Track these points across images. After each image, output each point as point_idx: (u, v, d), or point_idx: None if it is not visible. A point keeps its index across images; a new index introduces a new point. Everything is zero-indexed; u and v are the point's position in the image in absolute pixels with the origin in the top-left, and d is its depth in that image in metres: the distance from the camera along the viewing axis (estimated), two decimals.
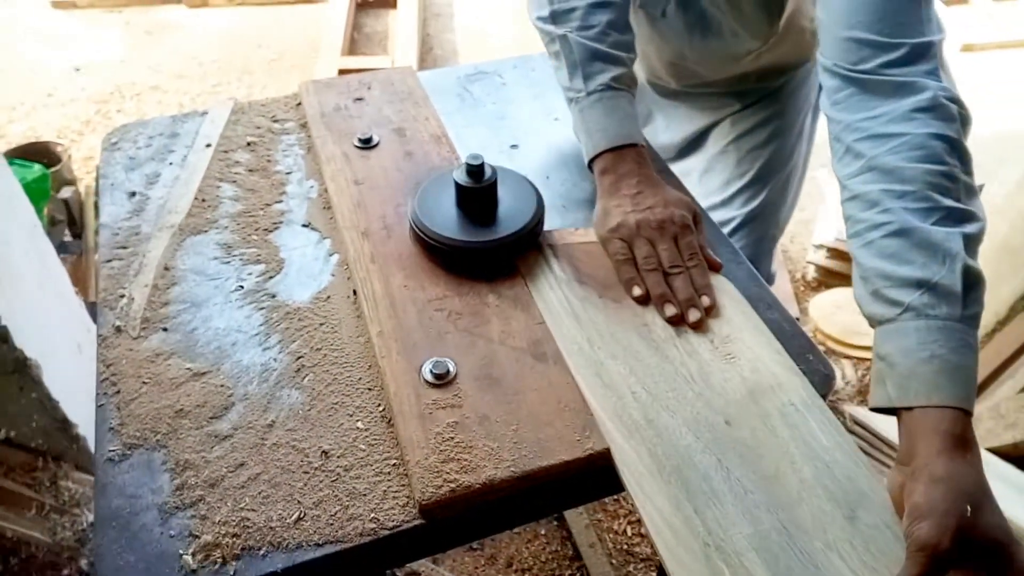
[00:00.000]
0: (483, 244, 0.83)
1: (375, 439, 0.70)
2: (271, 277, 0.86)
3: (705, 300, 0.80)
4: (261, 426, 0.71)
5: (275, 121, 1.10)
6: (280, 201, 0.96)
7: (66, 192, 2.17)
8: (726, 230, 1.24)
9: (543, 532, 1.61)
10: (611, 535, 1.61)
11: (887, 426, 1.64)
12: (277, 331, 0.80)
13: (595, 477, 0.70)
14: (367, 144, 1.01)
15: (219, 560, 0.61)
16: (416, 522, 0.64)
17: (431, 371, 0.73)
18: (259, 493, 0.66)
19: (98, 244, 2.14)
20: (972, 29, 3.29)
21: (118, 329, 0.80)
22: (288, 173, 1.01)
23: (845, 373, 1.91)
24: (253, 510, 0.64)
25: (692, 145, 1.28)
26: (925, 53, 0.73)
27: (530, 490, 0.67)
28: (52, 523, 1.39)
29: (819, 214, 2.27)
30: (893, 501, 0.64)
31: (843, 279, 2.13)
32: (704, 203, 1.14)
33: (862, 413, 1.70)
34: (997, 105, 2.91)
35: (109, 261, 0.88)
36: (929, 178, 0.69)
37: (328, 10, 3.34)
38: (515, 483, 0.66)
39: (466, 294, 0.81)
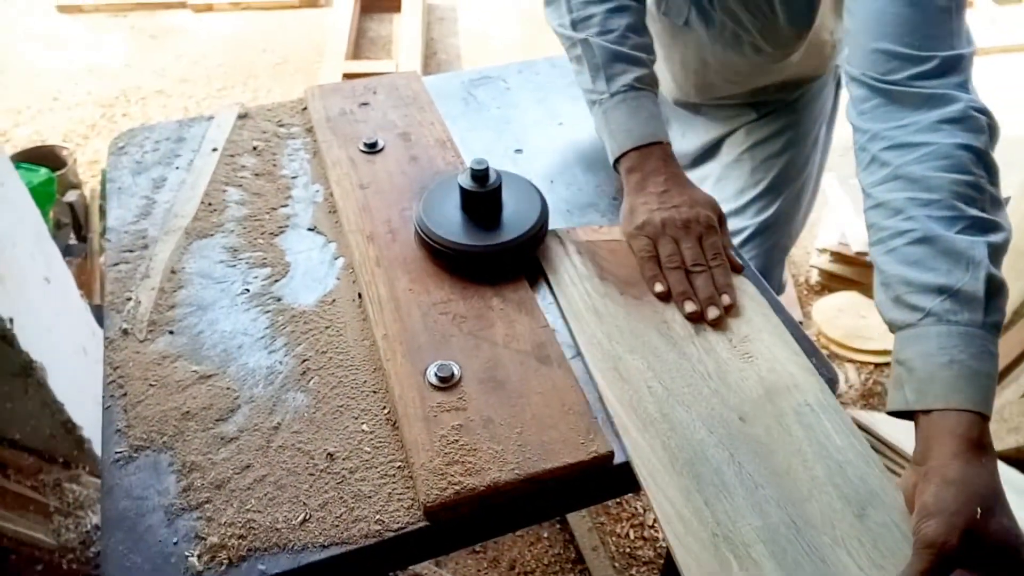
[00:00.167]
0: (487, 248, 0.83)
1: (380, 442, 0.70)
2: (277, 280, 0.86)
3: (726, 299, 0.82)
4: (267, 428, 0.71)
5: (281, 126, 1.11)
6: (286, 205, 0.97)
7: (71, 195, 2.18)
8: (739, 239, 1.24)
9: (546, 535, 1.61)
10: (614, 538, 1.61)
11: (891, 430, 1.64)
12: (283, 334, 0.80)
13: (598, 480, 0.70)
14: (372, 148, 1.02)
15: (225, 561, 0.62)
16: (421, 524, 0.64)
17: (436, 374, 0.73)
18: (265, 495, 0.66)
19: (103, 247, 2.14)
20: (975, 33, 3.29)
21: (125, 332, 0.81)
22: (294, 177, 1.01)
23: (848, 377, 1.91)
24: (259, 512, 0.65)
25: (707, 153, 1.28)
26: (956, 66, 0.74)
27: (534, 493, 0.67)
28: (57, 525, 1.40)
29: (823, 218, 2.27)
30: (906, 500, 0.65)
31: (846, 283, 2.13)
32: None
33: (865, 417, 1.70)
34: (1000, 110, 2.90)
35: (116, 264, 0.89)
36: (955, 187, 0.69)
37: (332, 14, 3.35)
38: (519, 486, 0.66)
39: (471, 298, 0.82)
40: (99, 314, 1.69)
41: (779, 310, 0.84)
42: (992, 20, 3.43)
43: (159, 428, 0.72)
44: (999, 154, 0.74)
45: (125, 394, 0.75)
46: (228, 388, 0.75)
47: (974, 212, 0.69)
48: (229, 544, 0.62)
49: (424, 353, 0.76)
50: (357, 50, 3.31)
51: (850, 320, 2.02)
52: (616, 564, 1.56)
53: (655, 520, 1.64)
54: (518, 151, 1.07)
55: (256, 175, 1.02)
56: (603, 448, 0.68)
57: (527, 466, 0.66)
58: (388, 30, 3.50)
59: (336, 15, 3.32)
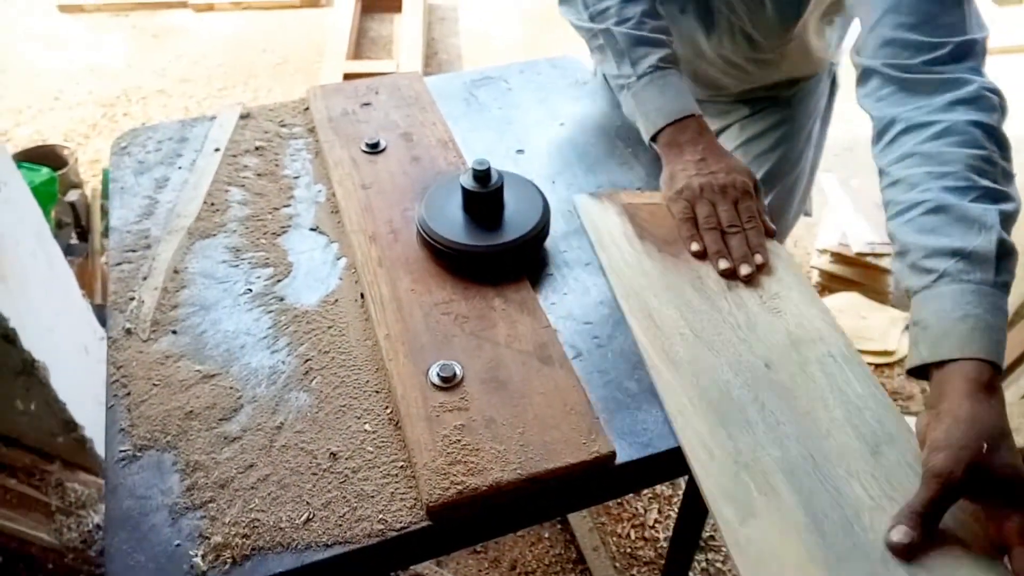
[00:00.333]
0: (489, 248, 0.84)
1: (383, 441, 0.71)
2: (279, 280, 0.87)
3: (758, 258, 0.86)
4: (270, 428, 0.72)
5: (283, 126, 1.11)
6: (288, 205, 0.97)
7: (72, 195, 2.18)
8: None
9: (547, 535, 1.61)
10: (615, 538, 1.61)
11: None
12: (285, 334, 0.81)
13: (600, 480, 0.71)
14: (374, 149, 1.02)
15: (229, 560, 0.62)
16: (423, 524, 0.65)
17: (438, 374, 0.73)
18: (268, 494, 0.66)
19: (106, 247, 2.14)
20: None
21: (128, 331, 0.81)
22: (296, 177, 1.02)
23: None
24: (262, 511, 0.65)
25: None
26: (969, 51, 0.78)
27: (536, 493, 0.68)
28: (58, 524, 1.40)
29: (823, 219, 2.28)
30: (920, 442, 0.68)
31: (847, 284, 2.14)
32: None
33: None
34: None
35: (119, 264, 0.89)
36: (969, 161, 0.72)
37: (333, 14, 3.36)
38: (521, 485, 0.66)
39: (473, 298, 0.82)
40: (101, 313, 1.70)
41: None
42: (991, 21, 3.43)
43: (163, 427, 0.72)
44: None
45: (129, 393, 0.75)
46: (231, 388, 0.75)
47: (987, 183, 0.72)
48: (233, 543, 0.63)
49: (426, 353, 0.76)
50: (358, 50, 3.32)
51: (850, 321, 2.02)
52: (617, 564, 1.56)
53: (656, 520, 1.64)
54: (519, 151, 1.08)
55: (258, 175, 1.02)
56: (605, 448, 0.68)
57: (529, 466, 0.67)
58: (389, 30, 3.50)
59: (337, 15, 3.32)
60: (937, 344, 0.68)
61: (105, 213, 2.21)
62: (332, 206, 0.97)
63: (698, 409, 0.72)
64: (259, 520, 0.64)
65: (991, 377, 0.65)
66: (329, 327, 0.81)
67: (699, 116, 0.96)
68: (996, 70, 0.85)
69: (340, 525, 0.64)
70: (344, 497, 0.66)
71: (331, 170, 1.00)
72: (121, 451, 0.70)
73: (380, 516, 0.65)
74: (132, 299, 0.85)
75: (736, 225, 0.88)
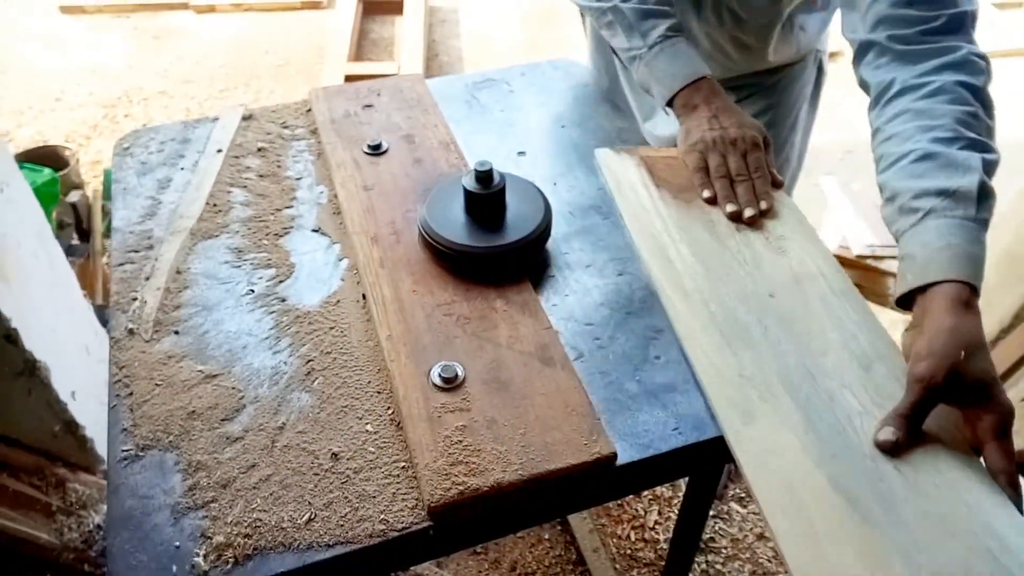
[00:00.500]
0: (491, 250, 0.84)
1: (384, 442, 0.71)
2: (281, 281, 0.87)
3: (763, 204, 0.93)
4: (272, 428, 0.72)
5: (285, 127, 1.11)
6: (290, 206, 0.97)
7: (74, 196, 2.18)
8: None
9: (547, 536, 1.61)
10: (614, 540, 1.61)
11: None
12: (287, 335, 0.81)
13: (601, 481, 0.71)
14: (376, 150, 1.02)
15: (231, 560, 0.62)
16: (425, 524, 0.65)
17: (440, 375, 0.73)
18: (270, 494, 0.67)
19: (107, 247, 2.15)
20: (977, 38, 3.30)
21: (131, 332, 0.81)
22: (298, 179, 1.02)
23: None
24: (264, 511, 0.65)
25: None
26: (961, 22, 0.84)
27: (537, 493, 0.68)
28: (59, 524, 1.40)
29: (823, 221, 2.28)
30: (905, 358, 0.75)
31: None
32: None
33: None
34: (1001, 113, 2.91)
35: (121, 265, 0.89)
36: (957, 116, 0.79)
37: (334, 16, 3.36)
38: (522, 486, 0.66)
39: (474, 299, 0.82)
40: (102, 314, 1.70)
41: None
42: (991, 24, 3.44)
43: (165, 427, 0.72)
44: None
45: (131, 393, 0.75)
46: (233, 388, 0.75)
47: (972, 135, 0.79)
48: (235, 543, 0.63)
49: (428, 354, 0.76)
50: (359, 52, 3.32)
51: None
52: (617, 566, 1.56)
53: (656, 522, 1.64)
54: (521, 153, 1.08)
55: (261, 176, 1.02)
56: (606, 449, 0.68)
57: (530, 467, 0.67)
58: (390, 32, 3.50)
59: (338, 17, 3.33)
60: (923, 271, 0.74)
61: (106, 214, 2.21)
62: (334, 207, 0.97)
63: (707, 332, 0.79)
64: (261, 520, 0.65)
65: (970, 297, 0.72)
66: (331, 328, 0.81)
67: (710, 77, 1.01)
68: (997, 74, 0.87)
69: (342, 525, 0.64)
70: (346, 497, 0.66)
71: (333, 171, 1.00)
72: (123, 451, 0.70)
73: (382, 516, 0.65)
74: (135, 299, 0.85)
75: (744, 174, 0.95)
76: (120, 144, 1.08)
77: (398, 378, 0.74)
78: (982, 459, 0.68)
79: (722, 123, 0.97)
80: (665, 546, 1.60)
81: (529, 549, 1.59)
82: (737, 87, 1.24)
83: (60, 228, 2.09)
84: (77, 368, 1.45)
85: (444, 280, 0.84)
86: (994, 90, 0.81)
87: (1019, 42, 3.31)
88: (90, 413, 1.44)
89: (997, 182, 0.78)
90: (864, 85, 0.90)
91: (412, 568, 1.45)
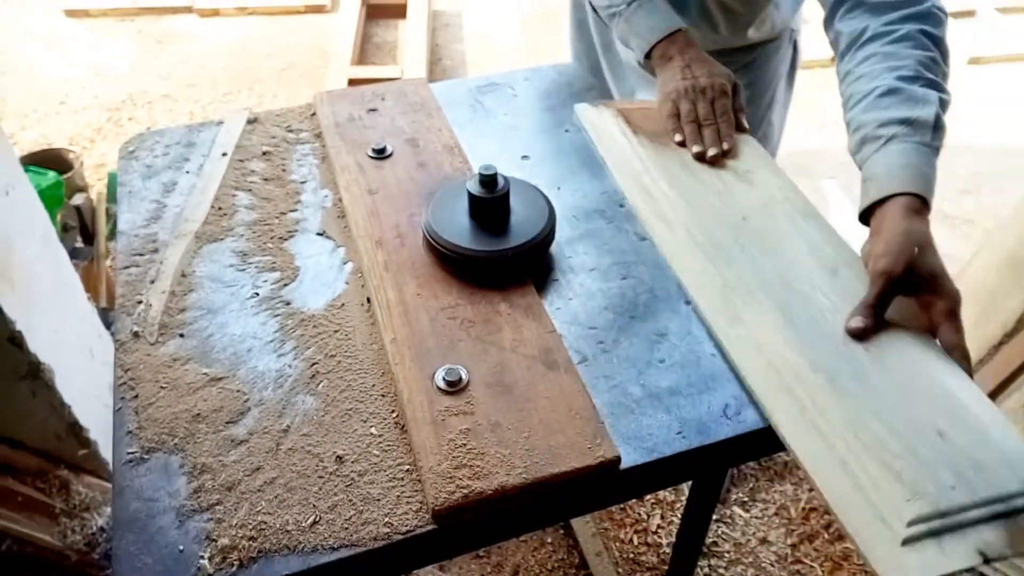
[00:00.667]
0: (495, 253, 0.84)
1: (388, 445, 0.71)
2: (286, 284, 0.87)
3: (725, 145, 1.02)
4: (276, 431, 0.72)
5: (290, 131, 1.12)
6: (295, 210, 0.98)
7: (78, 199, 2.19)
8: None
9: (549, 540, 1.61)
10: (617, 544, 1.61)
11: None
12: (292, 338, 0.81)
13: (605, 484, 0.71)
14: (381, 154, 1.03)
15: (236, 563, 0.62)
16: (429, 527, 0.65)
17: (444, 378, 0.74)
18: (275, 497, 0.67)
19: (111, 250, 2.15)
20: (978, 42, 3.30)
21: (136, 335, 0.82)
22: (303, 182, 1.02)
23: None
24: (269, 514, 0.65)
25: None
26: None
27: (541, 497, 0.68)
28: (63, 527, 1.40)
29: None
30: (865, 263, 0.85)
31: None
32: None
33: None
34: (1003, 118, 2.92)
35: (127, 268, 0.90)
36: (919, 59, 0.90)
37: (338, 20, 3.37)
38: (526, 490, 0.66)
39: (478, 302, 0.83)
40: (105, 317, 1.70)
41: None
42: (994, 28, 3.44)
43: (170, 430, 0.72)
44: (1000, 163, 0.85)
45: (136, 396, 0.75)
46: (238, 391, 0.76)
47: (931, 76, 0.90)
48: (240, 545, 0.63)
49: (432, 357, 0.76)
50: (362, 55, 3.33)
51: None
52: (620, 570, 1.56)
53: (659, 526, 1.64)
54: (525, 157, 1.08)
55: (265, 180, 1.02)
56: (609, 453, 0.69)
57: (534, 470, 0.67)
58: (393, 36, 3.51)
59: (341, 21, 3.34)
60: (884, 185, 0.84)
61: (110, 216, 2.21)
62: (339, 211, 0.97)
63: (690, 253, 0.89)
64: (266, 523, 0.65)
65: (921, 207, 0.83)
66: (335, 331, 0.82)
67: (685, 30, 1.10)
68: (998, 79, 0.90)
69: (346, 528, 0.65)
70: (350, 500, 0.67)
71: (338, 175, 1.00)
72: (128, 453, 0.70)
73: (386, 519, 0.65)
74: (140, 302, 0.85)
75: (711, 119, 1.04)
76: (125, 147, 1.09)
77: (402, 381, 0.74)
78: (936, 339, 0.79)
79: (694, 72, 1.06)
80: (668, 550, 1.60)
81: (532, 553, 1.59)
82: None
83: (64, 231, 2.10)
84: (81, 370, 1.46)
85: (448, 284, 0.85)
86: (997, 161, 0.90)
87: (1021, 48, 3.31)
88: (94, 416, 1.44)
89: (998, 186, 0.82)
90: (836, 37, 1.00)
91: (415, 572, 1.45)
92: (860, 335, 0.79)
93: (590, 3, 1.18)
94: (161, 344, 0.81)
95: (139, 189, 1.01)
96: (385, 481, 0.68)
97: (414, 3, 3.47)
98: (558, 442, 0.69)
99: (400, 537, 0.64)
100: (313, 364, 0.78)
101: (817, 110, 2.75)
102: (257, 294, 0.86)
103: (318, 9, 3.66)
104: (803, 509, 1.68)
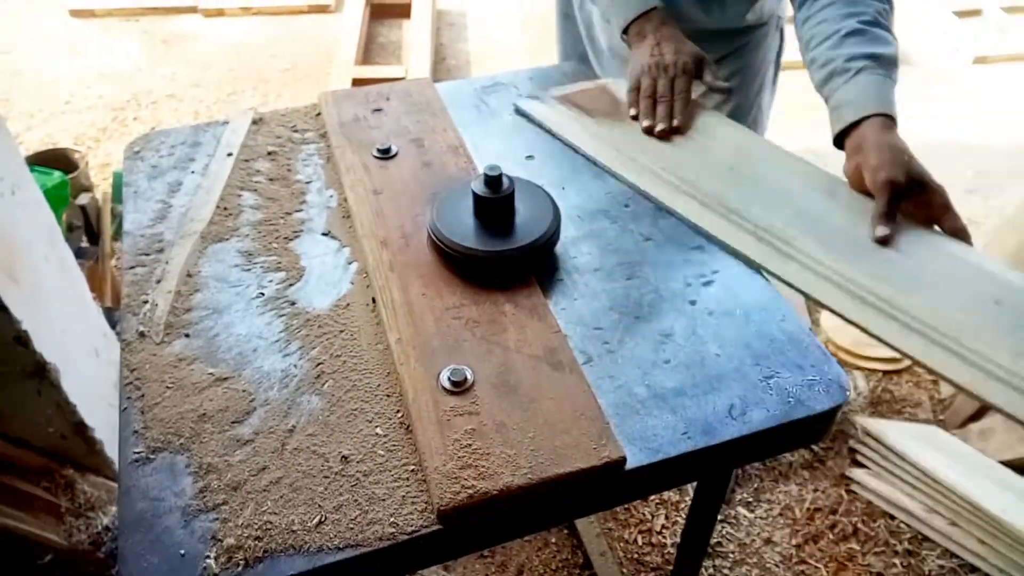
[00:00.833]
0: (500, 253, 0.84)
1: (394, 445, 0.71)
2: (291, 285, 0.87)
3: (675, 121, 1.08)
4: (282, 431, 0.72)
5: (295, 131, 1.12)
6: (300, 210, 0.98)
7: (83, 198, 2.19)
8: None
9: (553, 540, 1.61)
10: (622, 544, 1.61)
11: (899, 438, 1.64)
12: (297, 338, 0.81)
13: (610, 485, 0.71)
14: (386, 154, 1.03)
15: (241, 562, 0.62)
16: (434, 527, 0.65)
17: (449, 378, 0.74)
18: (280, 497, 0.67)
19: (116, 250, 2.15)
20: (984, 42, 3.29)
21: (141, 334, 0.82)
22: (308, 182, 1.02)
23: (857, 384, 1.91)
24: (275, 513, 0.66)
25: None
26: None
27: (546, 497, 0.68)
28: (68, 526, 1.41)
29: None
30: (851, 180, 0.97)
31: None
32: None
33: (874, 425, 1.70)
34: (1009, 118, 2.91)
35: (132, 268, 0.90)
36: (876, 7, 1.02)
37: (342, 20, 3.38)
38: (531, 490, 0.66)
39: (483, 302, 0.83)
40: (110, 316, 1.71)
41: (789, 318, 0.85)
42: (1001, 28, 3.43)
43: (176, 430, 0.72)
44: (1005, 163, 0.89)
45: (142, 396, 0.75)
46: (244, 391, 0.76)
47: (886, 23, 1.02)
48: (246, 545, 0.63)
49: (437, 357, 0.76)
50: (367, 55, 3.33)
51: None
52: (624, 570, 1.56)
53: (663, 526, 1.64)
54: (529, 157, 1.08)
55: (271, 180, 1.03)
56: (615, 453, 0.69)
57: (539, 471, 0.67)
58: (398, 35, 3.52)
59: (346, 20, 3.34)
60: (860, 108, 0.95)
61: (115, 216, 2.22)
62: (344, 211, 0.97)
63: (708, 212, 0.95)
64: (271, 522, 0.65)
65: (892, 124, 0.95)
66: (341, 331, 0.82)
67: (661, 8, 1.15)
68: (1003, 78, 0.91)
69: (351, 528, 0.65)
70: (355, 500, 0.67)
71: (343, 175, 1.00)
72: (134, 453, 0.71)
73: (391, 520, 0.65)
74: (145, 302, 0.85)
75: (666, 96, 1.08)
76: (131, 147, 1.09)
77: (407, 381, 0.74)
78: (941, 229, 0.93)
79: (662, 50, 1.11)
80: (672, 550, 1.60)
81: (536, 552, 1.59)
82: (705, 50, 1.30)
83: (70, 231, 2.10)
84: (86, 370, 1.46)
85: (453, 284, 0.85)
86: (1002, 159, 0.95)
87: None
88: (99, 415, 1.44)
89: (1004, 186, 0.85)
90: None
91: (419, 572, 1.45)
92: (886, 241, 0.90)
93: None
94: (167, 344, 0.81)
95: (145, 189, 1.01)
96: (390, 481, 0.68)
97: (418, 3, 3.48)
98: (563, 442, 0.69)
99: (405, 537, 0.64)
100: (318, 364, 0.78)
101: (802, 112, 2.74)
102: (262, 294, 0.86)
103: (322, 9, 3.67)
104: (807, 509, 1.67)
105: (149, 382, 0.77)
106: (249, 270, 0.89)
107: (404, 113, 1.12)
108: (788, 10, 1.27)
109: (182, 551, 0.63)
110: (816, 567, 1.58)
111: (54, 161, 2.28)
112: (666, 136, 1.07)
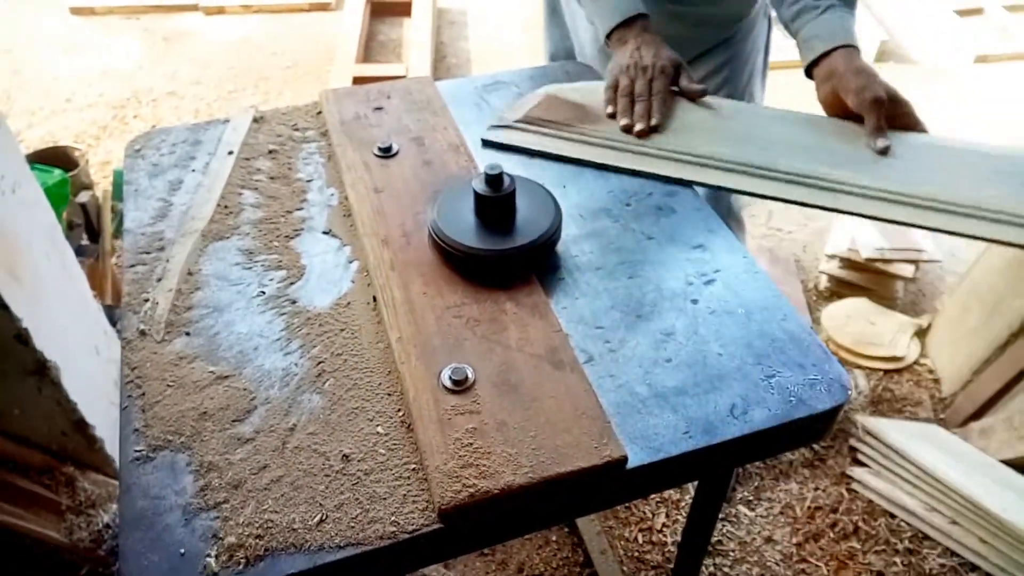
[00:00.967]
0: (501, 252, 0.84)
1: (395, 444, 0.71)
2: (292, 283, 0.87)
3: (653, 120, 1.09)
4: (283, 429, 0.72)
5: (296, 129, 1.12)
6: (301, 208, 0.98)
7: (84, 196, 2.19)
8: None
9: (554, 538, 1.61)
10: (622, 542, 1.61)
11: (898, 437, 1.64)
12: (298, 336, 0.81)
13: (611, 484, 0.71)
14: (387, 153, 1.03)
15: (242, 561, 0.62)
16: (435, 526, 0.65)
17: (450, 377, 0.74)
18: (281, 495, 0.67)
19: (116, 248, 2.15)
20: (985, 40, 3.29)
21: (142, 333, 0.82)
22: (309, 181, 1.02)
23: (858, 383, 1.91)
24: (276, 512, 0.65)
25: None
26: None
27: (547, 496, 0.68)
28: (69, 523, 1.41)
29: (832, 224, 2.28)
30: (826, 107, 1.10)
31: (855, 289, 2.13)
32: None
33: (874, 423, 1.70)
34: (1010, 117, 2.91)
35: (133, 266, 0.90)
36: None
37: (343, 18, 3.37)
38: (532, 489, 0.66)
39: (484, 301, 0.83)
40: (111, 314, 1.71)
41: (790, 316, 0.84)
42: (1002, 27, 3.42)
43: (176, 428, 0.72)
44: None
45: (143, 394, 0.75)
46: (244, 389, 0.76)
47: None
48: (246, 544, 0.63)
49: (438, 356, 0.76)
50: (367, 53, 3.33)
51: (859, 326, 2.02)
52: (624, 568, 1.56)
53: (664, 525, 1.64)
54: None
55: (271, 178, 1.02)
56: (616, 452, 0.68)
57: (540, 470, 0.67)
58: (398, 34, 3.51)
59: (346, 18, 3.34)
60: (831, 39, 1.07)
61: (115, 214, 2.22)
62: (345, 209, 0.97)
63: (733, 175, 1.01)
64: (272, 521, 0.65)
65: (859, 53, 1.07)
66: (342, 330, 0.82)
67: (644, 15, 1.18)
68: (1006, 77, 0.91)
69: (352, 527, 0.65)
70: (356, 499, 0.67)
71: (344, 174, 1.00)
72: (135, 451, 0.71)
73: (392, 518, 0.65)
74: (146, 301, 0.85)
75: (644, 95, 1.10)
76: (131, 146, 1.09)
77: (408, 380, 0.74)
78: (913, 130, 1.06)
79: (642, 53, 1.14)
80: (673, 549, 1.60)
81: (536, 551, 1.59)
82: (695, 39, 1.35)
83: (70, 228, 2.10)
84: (87, 368, 1.46)
85: (454, 282, 0.85)
86: (1015, 133, 0.98)
87: None
88: (100, 413, 1.44)
89: None
90: None
91: (420, 570, 1.45)
92: (887, 151, 1.01)
93: None
94: (168, 342, 0.81)
95: (145, 187, 1.01)
96: (391, 480, 0.68)
97: (419, 1, 3.47)
98: (564, 441, 0.69)
99: (406, 536, 0.64)
100: (319, 363, 0.78)
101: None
102: (263, 292, 0.86)
103: (323, 7, 3.67)
104: (808, 508, 1.67)
105: (150, 380, 0.77)
106: (250, 268, 0.89)
107: (405, 111, 1.12)
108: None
109: (182, 549, 0.63)
110: (817, 565, 1.58)
111: (54, 159, 2.28)
112: (644, 135, 1.07)
